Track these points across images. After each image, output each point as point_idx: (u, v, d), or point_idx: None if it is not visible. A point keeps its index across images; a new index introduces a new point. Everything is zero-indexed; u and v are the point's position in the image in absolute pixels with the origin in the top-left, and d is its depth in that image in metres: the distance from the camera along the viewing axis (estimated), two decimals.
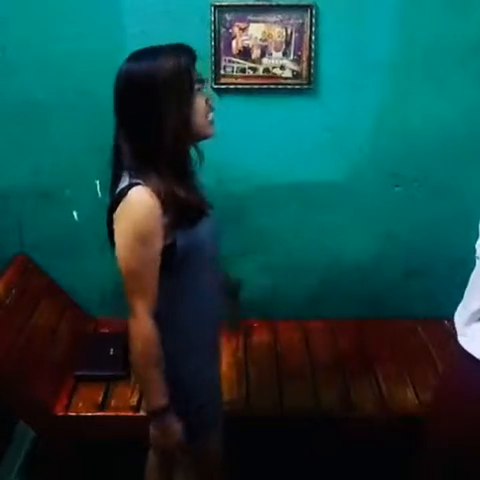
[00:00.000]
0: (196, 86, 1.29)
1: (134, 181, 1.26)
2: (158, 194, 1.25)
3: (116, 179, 1.32)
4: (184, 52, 1.29)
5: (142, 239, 1.26)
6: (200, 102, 1.31)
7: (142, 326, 1.31)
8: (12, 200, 2.24)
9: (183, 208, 1.29)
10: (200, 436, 1.52)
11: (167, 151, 1.27)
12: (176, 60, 1.25)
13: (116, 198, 1.28)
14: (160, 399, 1.36)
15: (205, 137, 1.36)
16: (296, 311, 2.41)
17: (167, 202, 1.26)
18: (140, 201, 1.25)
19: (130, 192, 1.25)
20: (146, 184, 1.26)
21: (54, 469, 2.02)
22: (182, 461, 1.62)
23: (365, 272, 2.38)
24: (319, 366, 2.17)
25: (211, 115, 1.34)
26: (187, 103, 1.28)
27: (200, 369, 1.47)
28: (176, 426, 1.40)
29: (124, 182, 1.28)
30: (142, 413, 1.86)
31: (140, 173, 1.27)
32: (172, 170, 1.29)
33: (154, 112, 1.25)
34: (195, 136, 1.34)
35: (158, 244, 1.28)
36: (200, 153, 1.44)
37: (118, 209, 1.27)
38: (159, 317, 1.36)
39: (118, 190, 1.29)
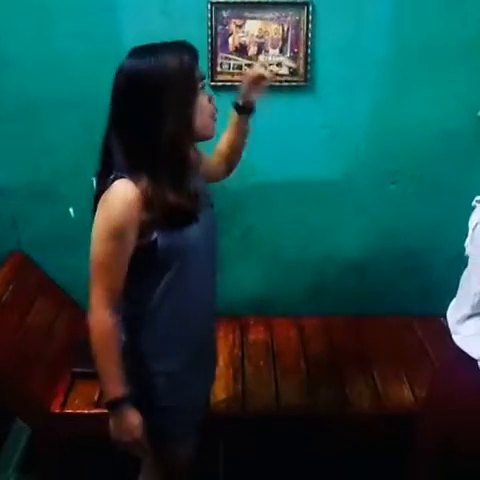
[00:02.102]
0: (199, 85, 1.27)
1: (120, 174, 1.24)
2: (144, 192, 1.23)
3: (102, 179, 1.28)
4: (187, 50, 1.26)
5: (114, 233, 1.24)
6: (203, 101, 1.28)
7: (97, 317, 1.28)
8: (8, 197, 2.23)
9: (169, 212, 1.26)
10: (164, 439, 1.49)
11: (165, 152, 1.24)
12: (179, 58, 1.22)
13: (101, 189, 1.27)
14: (116, 390, 1.31)
15: (205, 138, 1.34)
16: (292, 308, 2.42)
17: (153, 203, 1.24)
18: (119, 195, 1.23)
19: (113, 184, 1.24)
20: (136, 185, 1.23)
21: (50, 466, 2.02)
22: (143, 458, 1.59)
23: (361, 269, 2.39)
24: (315, 363, 2.17)
25: (215, 115, 1.32)
26: (190, 102, 1.25)
27: (174, 373, 1.42)
28: (133, 420, 1.34)
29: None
30: None
31: (131, 175, 1.24)
32: (169, 172, 1.26)
33: (155, 112, 1.22)
34: (195, 136, 1.31)
35: (131, 240, 1.25)
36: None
37: (100, 200, 1.26)
38: (137, 313, 1.36)
39: (105, 180, 1.27)
